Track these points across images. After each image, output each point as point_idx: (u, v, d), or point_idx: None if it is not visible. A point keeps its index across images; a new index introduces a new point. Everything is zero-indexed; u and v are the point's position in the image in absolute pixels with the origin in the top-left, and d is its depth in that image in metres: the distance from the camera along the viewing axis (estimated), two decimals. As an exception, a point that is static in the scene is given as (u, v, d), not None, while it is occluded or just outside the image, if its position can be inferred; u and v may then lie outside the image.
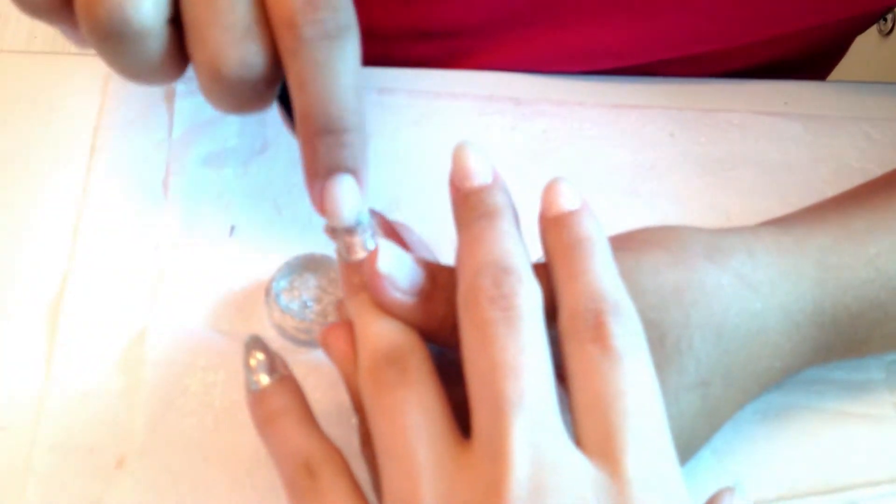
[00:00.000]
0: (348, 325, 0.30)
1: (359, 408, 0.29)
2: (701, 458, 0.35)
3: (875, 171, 0.42)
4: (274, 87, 0.31)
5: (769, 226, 0.34)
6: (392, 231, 0.34)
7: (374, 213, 0.32)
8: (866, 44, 0.99)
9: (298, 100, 0.30)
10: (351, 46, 0.30)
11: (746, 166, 0.43)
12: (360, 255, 0.30)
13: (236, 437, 0.34)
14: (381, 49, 0.43)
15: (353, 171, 0.30)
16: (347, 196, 0.30)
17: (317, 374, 0.35)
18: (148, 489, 0.33)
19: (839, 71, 0.57)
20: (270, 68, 0.30)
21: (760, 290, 0.31)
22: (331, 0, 0.29)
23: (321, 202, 0.30)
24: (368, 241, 0.30)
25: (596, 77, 0.45)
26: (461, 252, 0.29)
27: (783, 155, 0.43)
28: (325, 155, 0.30)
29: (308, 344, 0.36)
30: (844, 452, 0.36)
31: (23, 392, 0.35)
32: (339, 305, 0.34)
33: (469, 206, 0.29)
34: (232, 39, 0.29)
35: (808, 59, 0.50)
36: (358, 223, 0.31)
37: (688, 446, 0.31)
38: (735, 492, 0.28)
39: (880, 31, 1.01)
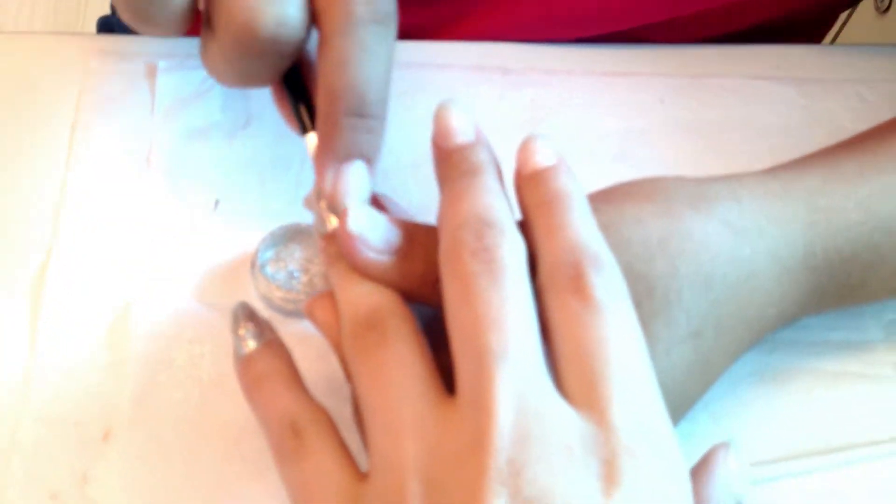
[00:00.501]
0: (332, 295, 0.30)
1: (348, 375, 0.29)
2: (697, 421, 0.34)
3: (869, 132, 0.42)
4: (290, 60, 0.31)
5: (756, 173, 0.34)
6: (376, 202, 0.34)
7: None
8: (863, 20, 0.98)
9: (334, 78, 0.30)
10: (393, 35, 0.30)
11: (739, 130, 0.42)
12: (335, 223, 0.30)
13: (223, 410, 0.34)
14: None
15: (368, 160, 0.31)
16: (360, 183, 0.30)
17: (304, 344, 0.35)
18: (134, 462, 0.32)
19: (835, 46, 0.57)
20: (301, 37, 0.30)
21: (748, 236, 0.30)
22: None
23: (333, 183, 0.30)
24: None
25: (584, 45, 0.44)
26: (443, 208, 0.28)
27: (777, 118, 0.43)
28: (348, 137, 0.30)
29: (295, 314, 0.35)
30: (842, 413, 0.35)
31: (8, 367, 0.34)
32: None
33: (451, 163, 0.29)
34: None
35: (795, 26, 0.50)
36: None
37: (682, 401, 0.30)
38: (730, 447, 0.27)
39: (877, 7, 1.00)
